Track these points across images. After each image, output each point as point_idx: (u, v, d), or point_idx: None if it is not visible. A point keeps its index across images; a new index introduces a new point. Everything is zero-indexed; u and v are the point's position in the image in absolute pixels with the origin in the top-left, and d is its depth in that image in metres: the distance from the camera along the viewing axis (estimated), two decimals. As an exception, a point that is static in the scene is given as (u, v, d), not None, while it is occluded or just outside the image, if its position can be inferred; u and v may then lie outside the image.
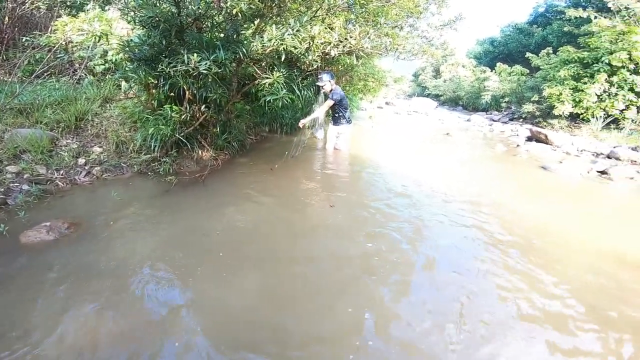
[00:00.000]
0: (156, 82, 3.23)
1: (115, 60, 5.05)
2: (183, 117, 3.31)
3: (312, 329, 1.64)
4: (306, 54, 3.02)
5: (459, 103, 18.87)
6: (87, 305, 1.73)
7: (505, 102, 14.17)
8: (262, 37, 2.91)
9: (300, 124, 4.66)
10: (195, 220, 2.71)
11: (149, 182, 3.44)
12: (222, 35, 3.28)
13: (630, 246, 2.70)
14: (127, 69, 3.17)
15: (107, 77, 5.09)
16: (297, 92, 3.44)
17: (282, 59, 2.91)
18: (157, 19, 2.68)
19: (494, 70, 16.91)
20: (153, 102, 3.52)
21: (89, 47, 5.29)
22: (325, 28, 3.64)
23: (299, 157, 4.75)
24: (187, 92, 3.33)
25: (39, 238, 2.29)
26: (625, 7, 9.41)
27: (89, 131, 4.19)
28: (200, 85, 3.16)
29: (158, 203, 3.03)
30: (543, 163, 5.74)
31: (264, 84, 3.11)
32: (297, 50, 2.83)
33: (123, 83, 4.37)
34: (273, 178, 3.78)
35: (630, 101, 8.95)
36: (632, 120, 9.08)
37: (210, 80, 2.95)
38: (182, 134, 3.63)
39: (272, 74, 3.07)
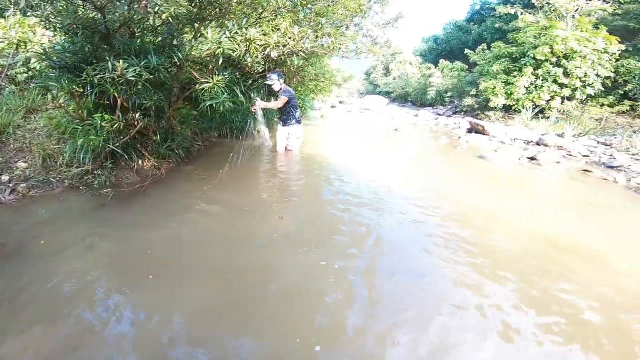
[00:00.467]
0: (82, 90, 3.01)
1: (40, 68, 4.62)
2: (115, 126, 3.11)
3: (256, 344, 1.63)
4: (244, 57, 2.98)
5: (408, 99, 19.77)
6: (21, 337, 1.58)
7: (448, 97, 15.11)
8: (199, 41, 2.84)
9: (255, 107, 4.46)
10: (135, 234, 2.57)
11: (82, 197, 3.20)
12: (158, 39, 3.13)
13: (558, 227, 3.00)
14: (47, 77, 2.91)
15: (30, 86, 4.64)
16: (241, 95, 3.37)
17: (220, 62, 2.85)
18: (75, 25, 2.49)
19: (437, 67, 17.95)
20: (82, 111, 3.28)
21: (9, 54, 4.79)
22: (272, 30, 3.63)
23: (248, 161, 4.69)
24: (119, 100, 3.14)
25: (-49, 268, 2.04)
26: (547, 3, 10.40)
27: (12, 145, 3.79)
28: (132, 92, 2.99)
29: (93, 218, 2.83)
30: (480, 153, 6.21)
31: (203, 88, 3.03)
32: (235, 53, 2.79)
33: (50, 92, 4.00)
34: (220, 185, 3.68)
35: (555, 92, 9.96)
36: (557, 110, 10.12)
37: (140, 87, 2.80)
38: (117, 144, 3.42)
39: (213, 78, 3.00)
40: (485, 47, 14.05)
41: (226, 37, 2.71)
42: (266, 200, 3.48)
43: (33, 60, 4.64)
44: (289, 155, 5.13)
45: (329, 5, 5.38)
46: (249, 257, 2.35)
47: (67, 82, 2.79)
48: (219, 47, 2.69)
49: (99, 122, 3.06)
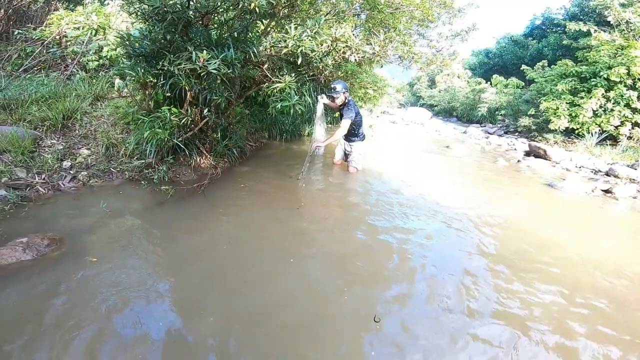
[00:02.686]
0: (155, 80, 2.95)
1: (111, 56, 4.75)
2: (183, 120, 3.03)
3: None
4: (323, 58, 2.79)
5: (453, 114, 18.95)
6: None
7: (501, 114, 14.26)
8: (272, 37, 2.68)
9: (315, 146, 4.02)
10: (195, 239, 2.43)
11: (141, 192, 3.14)
12: (229, 33, 3.03)
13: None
14: (123, 65, 2.88)
15: (100, 74, 4.77)
16: (308, 98, 3.19)
17: (300, 61, 2.67)
18: (164, 10, 2.41)
19: (489, 82, 17.06)
20: (149, 102, 3.23)
21: (83, 42, 4.98)
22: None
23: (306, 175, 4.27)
24: (188, 94, 3.05)
25: (14, 257, 1.98)
26: (626, 22, 9.49)
27: (77, 131, 3.86)
28: (204, 86, 2.90)
29: (153, 217, 2.73)
30: (547, 180, 5.65)
31: (273, 88, 2.87)
32: (313, 53, 2.60)
33: (117, 80, 4.06)
34: (279, 194, 3.51)
35: (626, 117, 9.02)
36: (628, 137, 9.16)
37: (219, 81, 2.68)
38: (180, 139, 3.35)
39: (282, 78, 2.83)
40: (546, 64, 13.10)
41: (307, 35, 2.53)
42: (330, 217, 3.20)
43: (105, 49, 4.77)
44: (352, 174, 4.49)
45: (392, 13, 5.13)
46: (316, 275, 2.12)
47: (142, 70, 2.73)
48: (300, 45, 2.51)
49: (168, 114, 2.98)
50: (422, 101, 22.90)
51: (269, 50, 2.89)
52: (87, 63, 4.92)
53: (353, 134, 4.34)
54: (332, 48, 2.71)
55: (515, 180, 5.67)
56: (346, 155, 4.66)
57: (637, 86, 8.65)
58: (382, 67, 7.63)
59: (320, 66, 2.95)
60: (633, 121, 9.03)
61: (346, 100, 4.07)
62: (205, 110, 3.08)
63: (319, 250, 2.46)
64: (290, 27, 2.54)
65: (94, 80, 4.60)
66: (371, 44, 3.08)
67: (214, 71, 2.40)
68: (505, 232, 3.09)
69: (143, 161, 3.39)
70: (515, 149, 9.68)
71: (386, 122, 14.52)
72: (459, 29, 5.15)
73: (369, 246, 2.59)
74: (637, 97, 8.69)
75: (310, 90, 3.38)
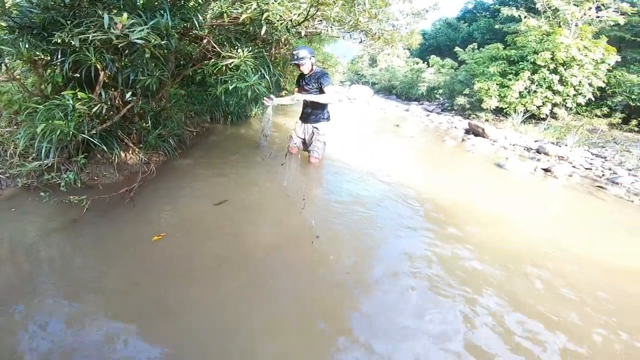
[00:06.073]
0: (48, 58, 2.07)
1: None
2: (95, 108, 2.22)
3: None
4: (291, 29, 2.18)
5: (393, 92, 19.38)
6: None
7: (438, 93, 14.85)
8: (223, 1, 2.01)
9: (269, 102, 3.25)
10: (131, 280, 1.77)
11: (42, 207, 2.28)
12: None
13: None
14: (1, 39, 1.95)
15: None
16: (267, 77, 2.53)
17: (264, 31, 2.02)
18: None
19: (425, 62, 17.63)
20: (44, 86, 2.32)
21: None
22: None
23: (264, 164, 3.70)
24: (101, 73, 2.22)
25: None
26: (553, 9, 10.20)
27: None
28: (125, 63, 2.11)
29: (60, 247, 1.96)
30: (494, 160, 5.88)
31: (224, 65, 2.21)
32: (280, 22, 1.99)
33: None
34: (233, 192, 2.89)
35: (547, 98, 9.94)
36: (553, 117, 10.15)
37: (147, 56, 1.92)
38: (93, 132, 2.50)
39: (235, 53, 2.19)
40: (475, 47, 13.83)
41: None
42: (296, 224, 2.71)
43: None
44: (314, 166, 3.77)
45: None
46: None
47: (27, 46, 1.86)
48: (265, 10, 1.88)
49: (71, 101, 2.14)
50: (364, 79, 23.00)
51: (217, 20, 2.19)
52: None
53: (319, 112, 3.62)
54: (308, 15, 2.10)
55: (467, 162, 5.79)
56: (305, 144, 3.86)
57: (558, 70, 9.48)
58: (335, 42, 7.12)
59: (283, 39, 2.35)
60: (553, 102, 9.99)
61: (313, 69, 3.37)
62: (129, 94, 2.28)
63: (288, 302, 2.00)
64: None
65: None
66: (354, 14, 2.55)
67: (140, 41, 1.67)
68: (464, 213, 2.98)
69: (41, 163, 2.48)
70: (455, 127, 10.14)
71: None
72: (420, 8, 4.85)
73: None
74: (558, 81, 9.56)
75: (271, 67, 2.74)
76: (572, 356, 1.58)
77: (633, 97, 9.35)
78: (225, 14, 2.04)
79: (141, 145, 3.15)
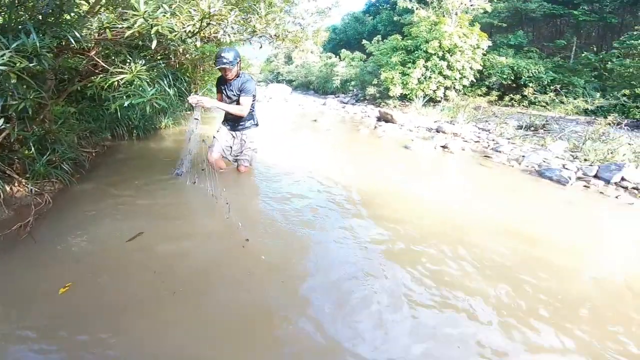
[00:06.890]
0: None
1: None
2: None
3: None
4: (186, 40, 2.13)
5: (310, 87, 19.90)
6: None
7: (351, 85, 15.71)
8: (106, 17, 1.88)
9: (193, 101, 2.93)
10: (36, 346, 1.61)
11: None
12: (28, 16, 1.94)
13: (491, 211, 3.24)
14: None
15: None
16: (168, 90, 2.42)
17: (154, 45, 1.93)
18: None
19: (338, 56, 18.46)
20: None
21: None
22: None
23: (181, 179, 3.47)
24: (-42, 100, 1.91)
25: None
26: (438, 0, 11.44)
27: None
28: (-11, 87, 1.84)
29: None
30: (402, 142, 6.54)
31: (115, 81, 2.08)
32: (173, 34, 1.94)
33: None
34: (149, 216, 2.73)
35: (440, 82, 11.31)
36: (444, 99, 11.56)
37: (13, 81, 1.70)
38: (-40, 168, 2.14)
39: (126, 67, 2.08)
40: (380, 39, 15.01)
41: (163, 12, 1.85)
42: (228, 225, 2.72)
43: None
44: (245, 173, 3.70)
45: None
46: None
47: None
48: (154, 25, 1.82)
49: None
50: (281, 77, 23.12)
51: (99, 35, 2.04)
52: None
53: (247, 118, 3.41)
54: (201, 27, 2.08)
55: (380, 147, 6.35)
56: (231, 149, 3.59)
57: (445, 57, 10.81)
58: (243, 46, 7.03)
59: (181, 49, 2.30)
60: (444, 85, 11.40)
61: (239, 74, 3.17)
62: (0, 122, 2.00)
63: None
64: (138, 2, 1.77)
65: None
66: (251, 21, 2.58)
67: (3, 68, 1.48)
68: (380, 196, 3.37)
69: None
70: (368, 116, 10.90)
71: (249, 101, 13.93)
72: (322, 6, 5.09)
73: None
74: (447, 66, 10.92)
75: (170, 79, 2.64)
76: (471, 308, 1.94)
77: (504, 77, 11.22)
78: (107, 30, 1.92)
79: (28, 176, 2.78)
